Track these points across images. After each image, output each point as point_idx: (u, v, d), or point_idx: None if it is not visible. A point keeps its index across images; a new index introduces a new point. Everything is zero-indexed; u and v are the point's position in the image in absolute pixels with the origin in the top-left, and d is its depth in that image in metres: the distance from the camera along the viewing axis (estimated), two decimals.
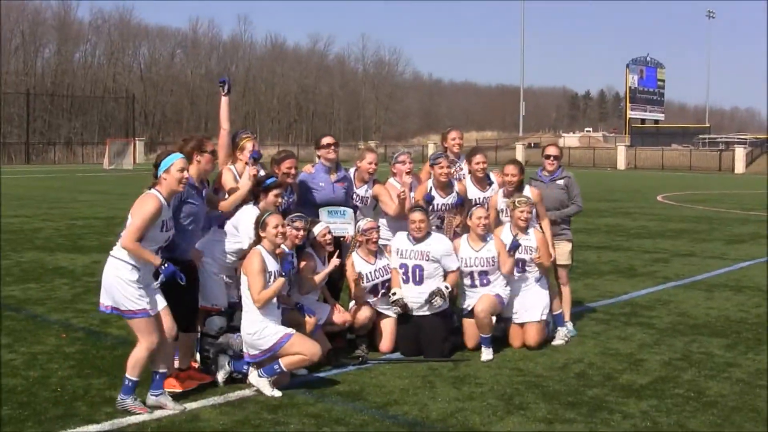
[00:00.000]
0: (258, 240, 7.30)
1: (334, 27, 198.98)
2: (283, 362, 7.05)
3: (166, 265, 6.55)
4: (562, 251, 9.30)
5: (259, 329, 7.13)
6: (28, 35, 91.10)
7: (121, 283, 6.49)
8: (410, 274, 8.49)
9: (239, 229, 7.59)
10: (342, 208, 8.62)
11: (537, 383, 7.37)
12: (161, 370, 6.76)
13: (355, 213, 8.78)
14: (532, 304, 8.63)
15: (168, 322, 6.75)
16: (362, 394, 7.05)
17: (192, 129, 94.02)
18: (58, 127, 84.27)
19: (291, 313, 7.68)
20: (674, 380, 7.53)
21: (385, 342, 8.46)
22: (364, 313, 8.34)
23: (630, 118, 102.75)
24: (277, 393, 6.99)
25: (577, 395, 7.04)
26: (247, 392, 7.08)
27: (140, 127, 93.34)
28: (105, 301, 6.60)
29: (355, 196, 8.88)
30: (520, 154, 77.88)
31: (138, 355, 6.60)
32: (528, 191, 8.99)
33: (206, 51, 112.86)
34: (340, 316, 8.31)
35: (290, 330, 7.20)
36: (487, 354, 8.20)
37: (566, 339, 8.88)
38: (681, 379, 7.55)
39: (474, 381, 7.44)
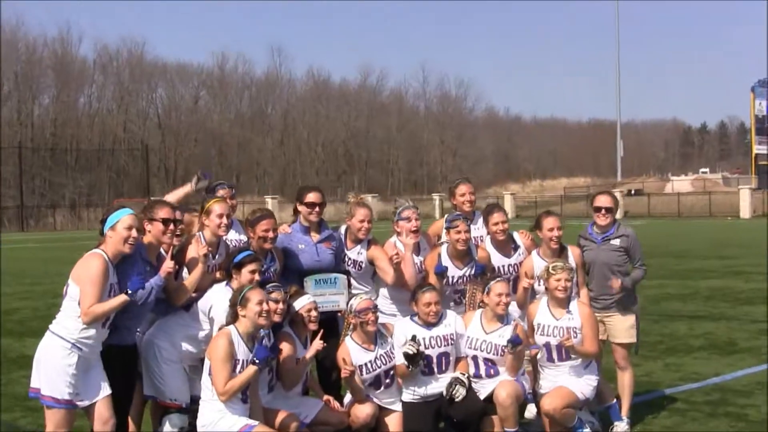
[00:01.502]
0: (232, 320, 7.20)
1: (388, 58, 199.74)
2: None
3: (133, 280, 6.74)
4: (622, 326, 8.97)
5: (213, 420, 7.03)
6: (22, 78, 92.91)
7: (53, 365, 6.60)
8: (435, 366, 8.33)
9: (210, 313, 7.54)
10: (332, 275, 8.46)
11: None
12: None
13: (348, 281, 8.61)
14: (568, 383, 8.30)
15: (105, 415, 6.80)
16: None
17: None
18: (60, 187, 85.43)
19: (265, 414, 7.50)
20: None
21: None
22: (364, 411, 8.11)
23: (757, 153, 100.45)
24: None
25: None
26: None
27: (159, 184, 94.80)
28: (34, 383, 6.69)
29: (347, 260, 8.72)
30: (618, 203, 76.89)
31: None
32: (570, 252, 8.78)
33: (236, 91, 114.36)
34: (334, 414, 8.10)
35: (252, 421, 7.05)
36: None
37: None
38: None
39: None
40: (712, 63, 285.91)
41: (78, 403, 6.69)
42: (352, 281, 8.73)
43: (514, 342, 7.99)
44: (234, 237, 8.40)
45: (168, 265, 7.08)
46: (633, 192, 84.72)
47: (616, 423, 8.66)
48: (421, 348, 8.12)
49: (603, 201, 8.99)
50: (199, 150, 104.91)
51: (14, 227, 74.63)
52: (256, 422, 7.06)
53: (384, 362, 8.22)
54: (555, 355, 8.31)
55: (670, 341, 14.03)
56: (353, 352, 8.14)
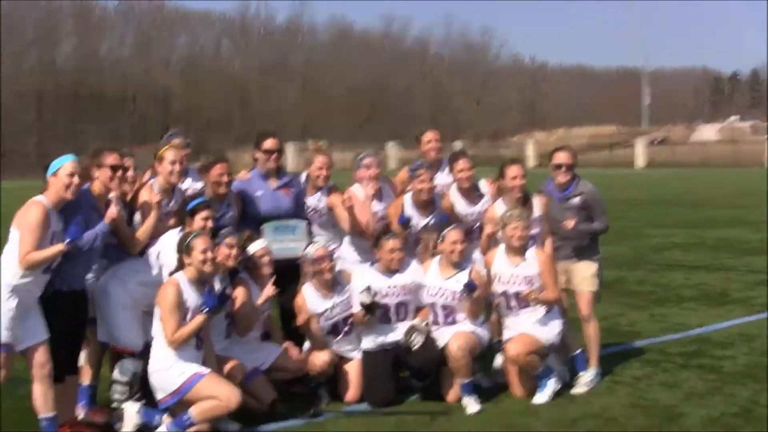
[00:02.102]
0: (180, 266, 7.15)
1: (411, 5, 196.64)
2: (194, 412, 6.93)
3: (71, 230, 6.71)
4: (585, 274, 8.84)
5: (164, 366, 7.04)
6: (43, 26, 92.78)
7: None
8: (392, 315, 8.30)
9: (159, 258, 7.51)
10: (291, 222, 8.45)
11: None
12: (46, 415, 6.85)
13: (310, 228, 8.55)
14: (533, 329, 8.23)
15: (41, 358, 6.83)
16: None
17: (242, 132, 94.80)
18: (83, 134, 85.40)
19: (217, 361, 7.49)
20: None
21: (351, 390, 8.26)
22: (321, 358, 8.12)
23: None
24: None
25: None
26: None
27: (180, 131, 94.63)
28: None
29: (307, 207, 8.68)
30: (640, 152, 76.28)
31: None
32: (536, 201, 8.67)
33: (258, 39, 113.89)
34: (292, 361, 8.10)
35: (203, 369, 7.05)
36: (471, 405, 7.89)
37: (589, 386, 8.47)
38: None
39: None
40: (744, 9, 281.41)
41: (16, 346, 6.72)
42: (315, 229, 8.70)
43: (470, 287, 7.92)
44: (189, 185, 8.35)
45: (112, 211, 7.04)
46: (658, 141, 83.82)
47: (581, 373, 8.56)
48: (377, 298, 8.07)
49: (562, 157, 8.76)
50: (220, 97, 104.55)
51: (34, 175, 74.57)
52: (207, 370, 7.05)
53: (342, 310, 8.20)
54: (514, 304, 8.23)
55: (663, 291, 13.97)
56: (310, 299, 8.11)
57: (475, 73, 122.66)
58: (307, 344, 8.33)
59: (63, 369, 7.14)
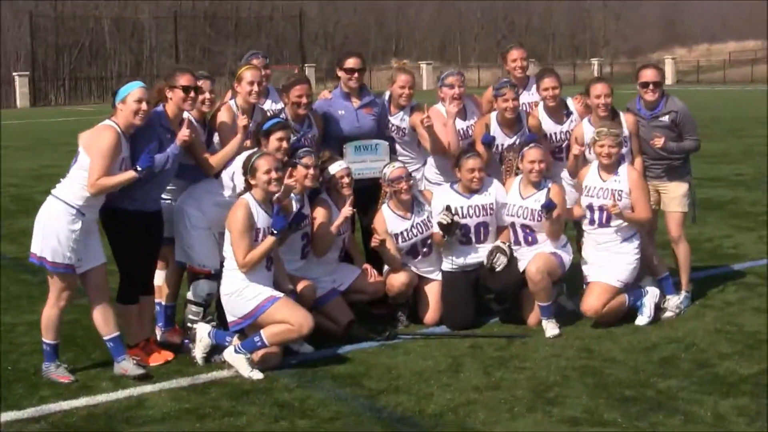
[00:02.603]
0: (248, 188, 7.16)
1: None
2: (265, 334, 6.93)
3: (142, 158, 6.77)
4: (674, 194, 8.54)
5: (237, 289, 7.06)
6: None
7: (56, 230, 6.72)
8: (472, 236, 8.17)
9: (235, 178, 7.49)
10: (373, 142, 8.33)
11: (598, 370, 6.88)
12: (109, 336, 7.01)
13: (393, 147, 8.45)
14: (607, 263, 8.02)
15: (99, 281, 7.00)
16: (361, 378, 6.85)
17: (379, 52, 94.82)
18: (219, 55, 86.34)
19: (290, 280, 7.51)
20: None
21: (429, 313, 8.20)
22: (399, 279, 8.06)
23: None
24: (258, 374, 6.89)
25: (643, 388, 6.50)
26: (223, 373, 7.03)
27: (318, 51, 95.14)
28: (35, 249, 6.84)
29: (390, 126, 8.54)
30: None
31: (48, 313, 6.94)
32: (623, 119, 8.37)
33: None
34: (370, 283, 8.09)
35: (277, 293, 7.06)
36: (551, 329, 7.75)
37: (678, 310, 8.24)
38: None
39: (516, 365, 7.05)
40: None
41: (77, 268, 6.84)
42: (399, 149, 8.59)
43: (548, 206, 7.72)
44: (269, 107, 8.31)
45: (184, 133, 7.04)
46: None
47: (668, 296, 8.31)
48: (456, 218, 7.95)
49: (649, 75, 8.42)
50: (358, 18, 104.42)
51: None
52: (280, 294, 7.05)
53: (420, 230, 8.11)
54: (596, 217, 8.03)
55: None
56: (389, 220, 8.05)
57: None
58: (385, 268, 8.27)
59: (136, 290, 7.28)
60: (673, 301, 8.27)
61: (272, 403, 6.37)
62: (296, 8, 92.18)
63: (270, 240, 6.98)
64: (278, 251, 7.37)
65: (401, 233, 8.07)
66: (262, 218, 7.04)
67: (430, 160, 8.60)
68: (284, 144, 7.46)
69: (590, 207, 8.04)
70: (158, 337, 7.79)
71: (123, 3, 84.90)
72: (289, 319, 6.93)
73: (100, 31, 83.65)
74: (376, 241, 7.89)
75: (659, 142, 8.25)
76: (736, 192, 15.40)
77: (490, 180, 8.20)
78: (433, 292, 8.21)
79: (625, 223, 7.94)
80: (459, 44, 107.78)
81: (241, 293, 7.02)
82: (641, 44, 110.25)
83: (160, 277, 7.84)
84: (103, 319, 6.99)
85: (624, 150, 8.28)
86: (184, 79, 7.12)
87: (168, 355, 7.40)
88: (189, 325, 7.52)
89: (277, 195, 7.25)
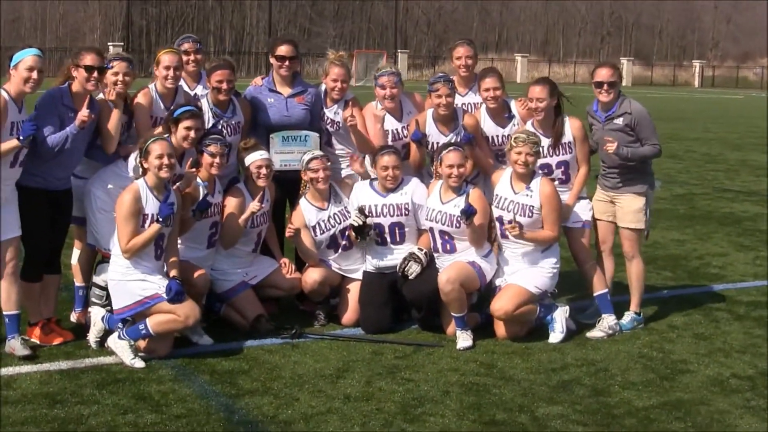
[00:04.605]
0: (142, 173, 7.01)
1: None
2: (150, 323, 6.83)
3: (24, 127, 6.66)
4: (630, 208, 8.08)
5: (122, 278, 6.94)
6: None
7: None
8: (387, 236, 7.92)
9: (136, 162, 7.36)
10: (302, 133, 8.11)
11: (486, 388, 6.56)
12: (9, 312, 6.98)
13: (327, 140, 8.24)
14: (525, 269, 7.69)
15: (8, 255, 6.90)
16: (239, 376, 6.69)
17: (479, 41, 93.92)
18: (318, 36, 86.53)
19: (183, 267, 7.32)
20: (700, 406, 6.35)
21: (348, 313, 8.00)
22: (312, 276, 7.88)
23: None
24: (139, 363, 6.79)
25: (518, 412, 6.15)
26: (108, 359, 6.93)
27: (418, 38, 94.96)
28: None
29: (325, 118, 8.32)
30: None
31: None
32: (568, 124, 7.96)
33: None
34: (285, 278, 7.91)
35: (163, 292, 6.87)
36: (463, 340, 7.44)
37: (610, 331, 7.83)
38: (711, 408, 6.32)
39: (404, 376, 6.78)
40: None
41: None
42: (335, 142, 8.34)
43: (467, 212, 7.34)
44: (201, 92, 8.16)
45: (83, 113, 6.90)
46: None
47: (603, 315, 7.90)
48: (369, 219, 7.69)
49: (603, 75, 7.95)
50: (460, 6, 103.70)
51: (261, 72, 76.53)
52: (165, 296, 6.84)
53: (338, 221, 7.94)
54: (506, 233, 7.65)
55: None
56: (306, 210, 7.92)
57: None
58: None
59: (38, 268, 7.21)
60: (607, 321, 7.86)
61: (133, 395, 6.25)
62: None
63: (155, 227, 6.82)
64: (175, 242, 7.21)
65: (318, 224, 7.91)
66: (151, 204, 6.88)
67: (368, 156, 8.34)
68: (192, 133, 7.30)
69: (500, 219, 7.69)
70: (71, 317, 7.73)
71: None
72: (175, 309, 6.81)
73: (202, 6, 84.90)
74: (290, 231, 7.70)
75: (611, 147, 7.79)
76: (762, 207, 14.82)
77: (409, 179, 7.93)
78: (353, 292, 7.99)
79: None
80: (563, 38, 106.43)
81: (126, 283, 6.90)
82: (751, 48, 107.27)
83: (75, 258, 7.77)
84: (6, 295, 6.95)
85: (568, 157, 7.94)
86: (88, 59, 7.02)
87: (67, 336, 7.33)
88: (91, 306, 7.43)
89: (179, 183, 7.10)
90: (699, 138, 27.33)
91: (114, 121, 7.21)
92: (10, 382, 6.41)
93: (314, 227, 7.88)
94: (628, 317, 8.09)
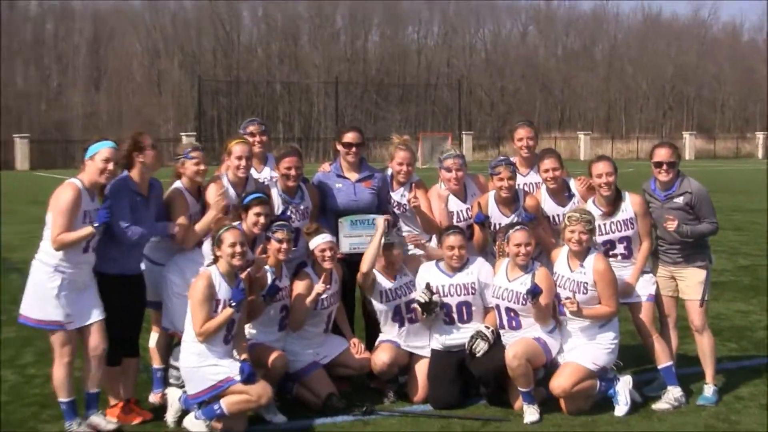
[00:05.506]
0: (215, 260, 7.20)
1: None
2: (224, 403, 6.97)
3: (99, 214, 6.88)
4: (691, 281, 8.10)
5: (196, 365, 7.07)
6: (351, 16, 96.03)
7: (39, 291, 6.94)
8: (455, 315, 8.02)
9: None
10: (370, 217, 8.21)
11: None
12: (91, 391, 7.16)
13: (395, 223, 8.39)
14: (583, 345, 7.71)
15: (95, 339, 7.10)
16: None
17: (542, 120, 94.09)
18: (383, 120, 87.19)
19: (259, 350, 7.49)
20: None
21: (417, 390, 8.03)
22: (381, 358, 7.97)
23: None
24: None
25: None
26: None
27: (482, 119, 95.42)
28: (22, 310, 7.05)
29: (392, 201, 8.48)
30: None
31: (56, 374, 7.05)
32: (628, 200, 8.05)
33: (563, 26, 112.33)
34: (355, 358, 8.04)
35: (236, 374, 7.00)
36: (530, 414, 7.46)
37: (676, 403, 7.79)
38: None
39: None
40: None
41: (67, 325, 6.95)
42: (402, 224, 8.48)
43: (533, 291, 7.41)
44: (268, 174, 8.38)
45: (177, 231, 7.43)
46: None
47: (669, 387, 7.88)
48: (435, 297, 7.80)
49: (663, 155, 8.01)
50: (524, 85, 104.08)
51: (328, 158, 77.23)
52: (237, 378, 6.98)
53: (404, 292, 8.09)
54: (564, 310, 7.70)
55: None
56: (378, 278, 8.07)
57: None
58: (378, 340, 8.18)
59: (118, 352, 7.39)
60: (673, 393, 7.83)
61: None
62: (460, 75, 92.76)
63: (227, 311, 6.98)
64: (243, 328, 7.38)
65: (385, 291, 8.04)
66: (223, 290, 7.05)
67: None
68: (261, 219, 7.51)
69: (558, 297, 7.75)
70: (149, 398, 7.91)
71: (293, 68, 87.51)
72: (248, 390, 6.94)
73: (271, 94, 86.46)
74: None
75: (672, 225, 7.87)
76: None
77: (475, 258, 8.04)
78: (422, 369, 8.04)
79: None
80: (624, 113, 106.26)
81: (198, 369, 7.04)
82: None
83: (153, 341, 7.96)
84: (89, 375, 7.15)
85: (630, 232, 8.00)
86: (148, 138, 7.37)
87: (146, 416, 7.48)
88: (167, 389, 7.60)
89: (248, 269, 7.29)
90: (762, 209, 26.99)
91: (208, 218, 7.54)
92: None
93: (381, 293, 8.03)
94: (710, 390, 8.02)
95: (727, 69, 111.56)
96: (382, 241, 7.86)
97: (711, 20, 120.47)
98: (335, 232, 8.10)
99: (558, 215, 8.28)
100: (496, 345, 7.75)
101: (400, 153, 8.37)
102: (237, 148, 7.81)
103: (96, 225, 6.85)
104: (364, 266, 7.86)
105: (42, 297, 6.90)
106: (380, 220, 7.91)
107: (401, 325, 8.11)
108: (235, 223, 7.41)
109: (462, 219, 8.34)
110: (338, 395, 7.77)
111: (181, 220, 7.52)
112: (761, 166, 60.81)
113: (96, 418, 7.11)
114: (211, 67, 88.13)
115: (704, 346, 8.16)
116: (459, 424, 7.38)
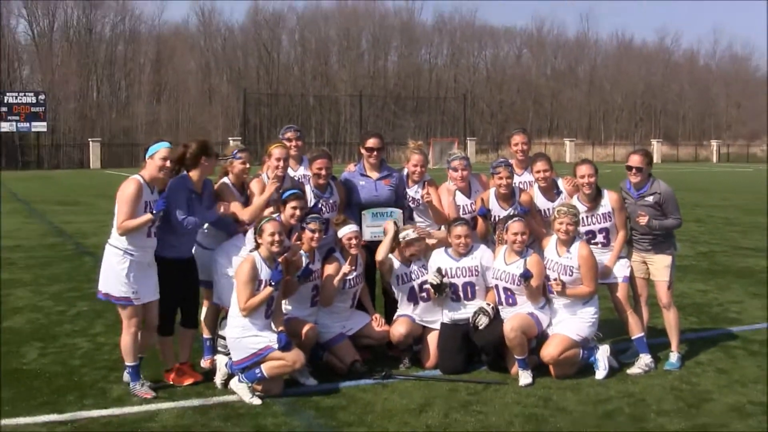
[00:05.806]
0: (257, 246, 7.14)
1: (684, 21, 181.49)
2: (264, 367, 6.90)
3: (158, 203, 6.83)
4: (659, 265, 8.05)
5: (240, 336, 7.00)
6: (373, 39, 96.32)
7: (111, 271, 6.89)
8: (461, 293, 7.92)
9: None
10: (389, 209, 8.14)
11: (544, 418, 6.49)
12: (131, 362, 7.08)
13: (410, 215, 8.32)
14: (568, 319, 7.63)
15: (152, 314, 7.08)
16: (339, 411, 6.66)
17: (534, 128, 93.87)
18: (400, 128, 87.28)
19: (293, 322, 7.43)
20: (722, 429, 6.26)
21: (429, 358, 7.92)
22: (399, 330, 7.87)
23: None
24: (256, 401, 6.83)
25: None
26: (231, 398, 6.98)
27: (483, 127, 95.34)
28: (101, 287, 6.99)
29: (408, 197, 8.38)
30: None
31: (124, 341, 7.01)
32: (607, 197, 7.94)
33: (552, 50, 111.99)
34: (376, 331, 7.95)
35: (273, 342, 6.95)
36: (525, 378, 7.36)
37: (645, 369, 7.70)
38: (731, 430, 6.23)
39: (476, 408, 6.72)
40: None
41: (134, 300, 6.90)
42: (416, 216, 8.41)
43: (525, 275, 7.37)
44: (303, 172, 8.29)
45: (221, 206, 7.37)
46: None
47: (641, 355, 7.79)
48: (446, 279, 7.71)
49: (634, 161, 8.00)
50: (519, 98, 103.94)
51: (352, 159, 77.37)
52: (275, 346, 6.92)
53: (417, 275, 8.00)
54: (552, 290, 7.64)
55: None
56: (395, 263, 8.01)
57: (736, 81, 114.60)
58: (396, 315, 8.10)
59: (171, 325, 7.37)
60: (644, 360, 7.75)
61: (252, 426, 6.29)
62: (465, 90, 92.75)
63: (268, 290, 6.92)
64: (281, 304, 7.32)
65: (401, 275, 7.97)
66: (264, 272, 6.99)
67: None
68: (297, 212, 7.45)
69: (547, 278, 7.67)
70: (201, 363, 7.85)
71: (324, 83, 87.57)
72: (284, 357, 6.88)
73: (305, 105, 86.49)
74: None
75: (643, 220, 7.84)
76: None
77: (478, 245, 7.95)
78: (432, 340, 7.95)
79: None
80: (603, 123, 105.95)
81: (242, 340, 6.98)
82: (757, 129, 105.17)
83: (203, 314, 7.92)
84: (139, 344, 7.08)
85: (609, 224, 7.94)
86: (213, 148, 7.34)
87: (197, 377, 7.41)
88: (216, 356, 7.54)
89: (285, 254, 7.23)
90: (718, 205, 26.84)
91: (261, 201, 7.49)
92: (153, 416, 6.51)
93: (398, 276, 7.96)
94: (675, 357, 7.96)
95: (687, 88, 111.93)
96: (390, 239, 7.83)
97: (673, 47, 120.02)
98: (359, 223, 8.04)
99: (548, 209, 8.19)
100: (496, 319, 7.67)
101: (415, 156, 8.30)
102: (276, 151, 7.74)
103: (154, 212, 6.80)
104: (378, 256, 7.83)
105: (115, 276, 6.85)
106: (390, 225, 7.87)
107: (416, 303, 8.02)
108: (275, 215, 7.37)
109: (467, 212, 8.27)
110: (361, 362, 7.68)
111: (234, 205, 7.47)
112: (716, 169, 60.67)
113: (136, 388, 7.07)
114: (255, 82, 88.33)
115: (670, 320, 8.10)
116: (464, 386, 7.29)
